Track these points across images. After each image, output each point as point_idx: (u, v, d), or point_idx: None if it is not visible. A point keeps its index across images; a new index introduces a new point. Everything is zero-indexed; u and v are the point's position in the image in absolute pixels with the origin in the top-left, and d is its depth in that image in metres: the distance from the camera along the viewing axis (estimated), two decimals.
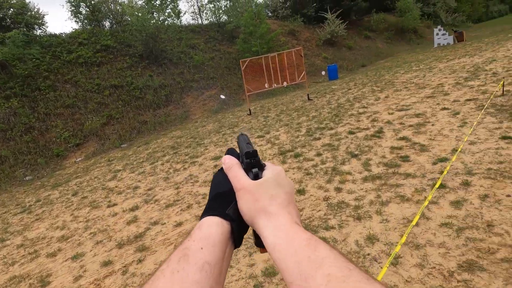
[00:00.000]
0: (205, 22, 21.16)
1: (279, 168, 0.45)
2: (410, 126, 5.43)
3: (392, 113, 6.56)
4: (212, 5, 19.71)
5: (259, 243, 0.40)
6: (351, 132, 5.86)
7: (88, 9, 16.47)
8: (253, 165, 0.44)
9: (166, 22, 15.23)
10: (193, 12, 27.38)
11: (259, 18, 16.10)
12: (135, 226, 4.11)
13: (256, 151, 0.46)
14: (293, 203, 0.42)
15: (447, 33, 20.17)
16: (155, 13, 14.70)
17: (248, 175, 0.43)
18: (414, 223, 2.76)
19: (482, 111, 5.17)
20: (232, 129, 8.86)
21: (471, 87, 7.08)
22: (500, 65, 8.97)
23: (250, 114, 10.50)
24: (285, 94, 14.10)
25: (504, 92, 5.88)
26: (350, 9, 24.43)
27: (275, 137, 6.99)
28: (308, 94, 10.99)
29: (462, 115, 5.33)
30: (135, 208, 4.71)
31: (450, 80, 8.47)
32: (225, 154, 0.49)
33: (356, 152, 4.85)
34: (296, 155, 5.38)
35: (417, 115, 5.96)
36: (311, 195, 3.87)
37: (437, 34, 20.38)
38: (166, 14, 15.35)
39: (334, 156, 4.92)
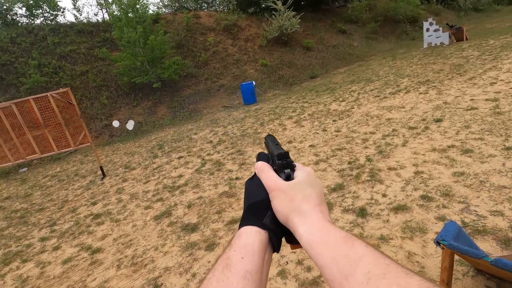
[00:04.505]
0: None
1: (309, 169, 0.46)
2: None
3: None
4: None
5: (290, 240, 0.41)
6: None
7: None
8: (285, 166, 0.44)
9: None
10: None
11: (137, 12, 11.04)
12: None
13: (287, 152, 0.45)
14: (324, 202, 0.42)
15: (440, 28, 13.97)
16: None
17: (280, 176, 0.43)
18: None
19: None
20: None
21: None
22: (433, 160, 3.75)
23: None
24: (75, 157, 9.24)
25: None
26: None
27: None
28: (101, 167, 6.29)
29: None
30: None
31: None
32: (256, 160, 0.50)
33: None
34: None
35: None
36: None
37: (428, 29, 14.27)
38: None
39: None
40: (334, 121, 6.34)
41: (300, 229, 0.37)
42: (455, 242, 1.39)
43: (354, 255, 0.30)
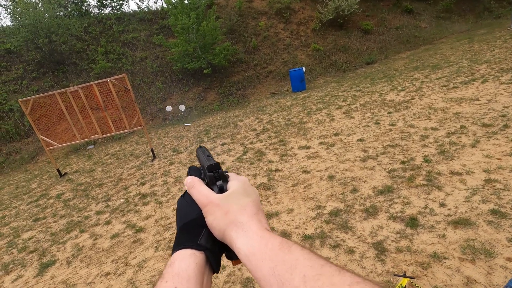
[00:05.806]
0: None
1: (244, 177, 0.44)
2: None
3: None
4: None
5: (230, 256, 0.40)
6: None
7: None
8: (216, 178, 0.42)
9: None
10: None
11: None
12: None
13: (218, 163, 0.43)
14: (261, 210, 0.40)
15: None
16: None
17: (212, 189, 0.41)
18: None
19: None
20: None
21: None
22: None
23: (61, 175, 6.95)
24: (132, 138, 9.73)
25: None
26: None
27: None
28: (152, 149, 6.69)
29: None
30: None
31: None
32: (187, 175, 0.46)
33: None
34: None
35: None
36: None
37: None
38: None
39: None
40: (389, 113, 5.72)
41: (238, 242, 0.35)
42: None
43: (290, 260, 0.30)
